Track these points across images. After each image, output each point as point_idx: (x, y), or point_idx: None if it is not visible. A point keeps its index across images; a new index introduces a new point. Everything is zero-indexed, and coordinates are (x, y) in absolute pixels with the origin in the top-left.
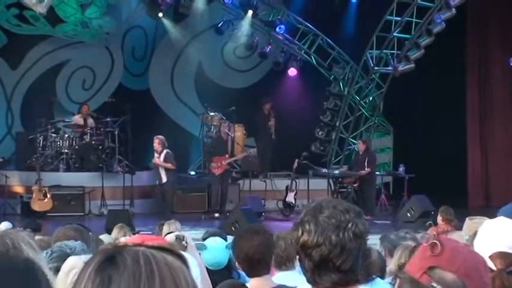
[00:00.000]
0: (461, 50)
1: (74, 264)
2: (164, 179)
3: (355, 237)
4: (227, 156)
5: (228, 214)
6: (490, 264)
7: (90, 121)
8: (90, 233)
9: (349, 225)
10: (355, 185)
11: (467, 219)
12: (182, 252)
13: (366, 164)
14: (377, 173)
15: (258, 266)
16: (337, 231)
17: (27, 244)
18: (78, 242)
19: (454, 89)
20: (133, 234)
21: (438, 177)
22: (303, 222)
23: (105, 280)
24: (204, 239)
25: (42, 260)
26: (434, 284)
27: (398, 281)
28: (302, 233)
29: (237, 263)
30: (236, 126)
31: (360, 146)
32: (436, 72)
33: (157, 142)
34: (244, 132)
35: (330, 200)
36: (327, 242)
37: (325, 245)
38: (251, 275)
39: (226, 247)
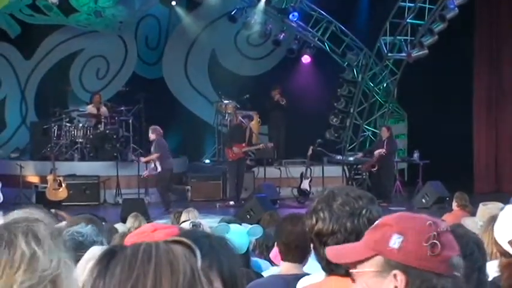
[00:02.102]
0: (473, 35)
1: (94, 254)
2: (159, 168)
3: (369, 224)
4: (244, 144)
5: (243, 202)
6: (509, 249)
7: (104, 110)
8: (103, 223)
9: (363, 211)
10: (374, 169)
11: (480, 204)
12: (191, 243)
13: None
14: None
15: (295, 253)
16: (352, 218)
17: (29, 236)
18: (89, 226)
19: (466, 74)
20: (148, 223)
21: (451, 162)
22: (317, 210)
23: (101, 270)
24: None
25: (46, 252)
26: (456, 273)
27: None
28: (316, 221)
29: (275, 244)
30: (251, 114)
31: (383, 132)
32: (449, 58)
33: (150, 132)
34: (259, 120)
35: (342, 187)
36: (342, 230)
37: (340, 232)
38: (285, 259)
39: (247, 233)
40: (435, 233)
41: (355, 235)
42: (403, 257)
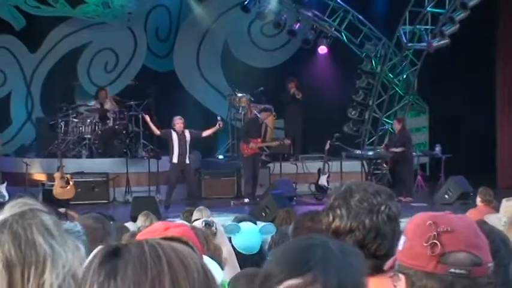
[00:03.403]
0: (496, 23)
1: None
2: (187, 161)
3: (389, 220)
4: (260, 140)
5: (258, 199)
6: None
7: (109, 105)
8: (111, 222)
9: (382, 208)
10: (388, 166)
11: (503, 200)
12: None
13: (401, 143)
14: (413, 153)
15: None
16: (371, 215)
17: (44, 231)
18: (74, 223)
19: (489, 65)
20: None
21: (474, 156)
22: (333, 207)
23: (110, 271)
24: None
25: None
26: (453, 270)
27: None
28: (333, 219)
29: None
30: (268, 107)
31: (395, 125)
32: (471, 47)
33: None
34: (274, 114)
35: (360, 182)
36: (360, 227)
37: (358, 230)
38: None
39: (259, 231)
40: (435, 233)
41: (374, 232)
42: (404, 258)
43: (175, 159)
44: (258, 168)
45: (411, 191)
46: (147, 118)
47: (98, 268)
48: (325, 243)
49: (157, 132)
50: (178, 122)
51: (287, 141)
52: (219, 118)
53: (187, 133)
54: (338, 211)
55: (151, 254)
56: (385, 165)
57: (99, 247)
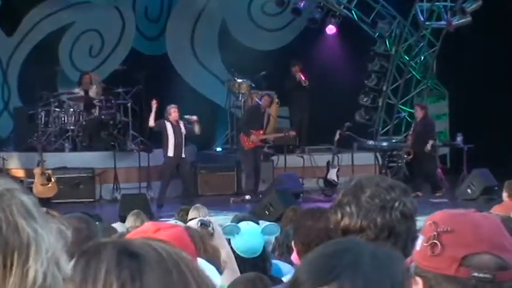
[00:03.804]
0: None
1: None
2: (183, 154)
3: (403, 218)
4: (261, 132)
5: (260, 196)
6: None
7: (94, 92)
8: (97, 222)
9: (396, 204)
10: (409, 157)
11: None
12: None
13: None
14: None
15: None
16: (383, 212)
17: (25, 212)
18: None
19: None
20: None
21: (498, 147)
22: (342, 203)
23: (134, 274)
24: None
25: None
26: (477, 274)
27: None
28: (342, 217)
29: (293, 244)
30: (270, 93)
31: (417, 112)
32: (495, 26)
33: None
34: (277, 101)
35: (371, 176)
36: (372, 225)
37: (370, 228)
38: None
39: (261, 231)
40: (435, 233)
41: (387, 231)
42: (422, 260)
43: (171, 153)
44: (260, 161)
45: (439, 184)
46: (155, 105)
47: (116, 270)
48: (355, 247)
49: (152, 123)
50: (173, 111)
51: (292, 133)
52: (194, 118)
53: (182, 124)
54: (347, 208)
55: (162, 255)
56: (407, 156)
57: (91, 246)
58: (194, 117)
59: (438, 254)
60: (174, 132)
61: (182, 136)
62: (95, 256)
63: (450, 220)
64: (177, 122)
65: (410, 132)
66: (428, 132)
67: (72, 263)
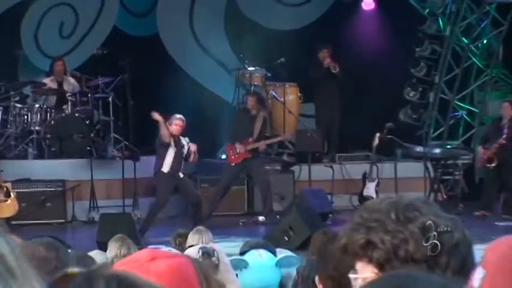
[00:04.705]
0: None
1: None
2: (181, 174)
3: (446, 250)
4: (250, 140)
5: (277, 217)
6: None
7: (70, 84)
8: (69, 250)
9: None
10: (492, 165)
11: None
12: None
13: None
14: None
15: None
16: (421, 240)
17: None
18: None
19: None
20: (140, 249)
21: None
22: (370, 227)
23: None
24: (242, 253)
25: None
26: None
27: None
28: (367, 243)
29: (316, 279)
30: (287, 86)
31: (506, 109)
32: None
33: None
34: (299, 95)
35: (414, 199)
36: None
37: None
38: None
39: (276, 264)
40: (435, 233)
41: (426, 265)
42: None
43: (166, 168)
44: (267, 175)
45: None
46: (160, 118)
47: None
48: (419, 283)
49: (168, 138)
50: (178, 123)
51: (288, 134)
52: (193, 147)
53: (184, 141)
54: (375, 236)
55: None
56: (489, 165)
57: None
58: (194, 146)
59: None
60: (175, 146)
61: (182, 155)
62: None
63: None
64: (178, 136)
65: (504, 137)
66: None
67: None
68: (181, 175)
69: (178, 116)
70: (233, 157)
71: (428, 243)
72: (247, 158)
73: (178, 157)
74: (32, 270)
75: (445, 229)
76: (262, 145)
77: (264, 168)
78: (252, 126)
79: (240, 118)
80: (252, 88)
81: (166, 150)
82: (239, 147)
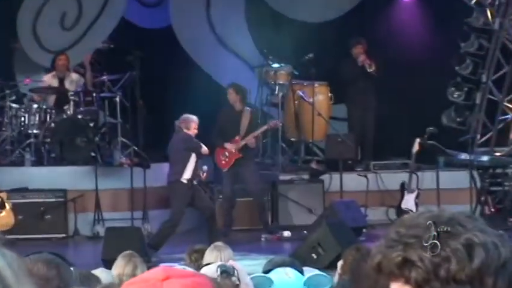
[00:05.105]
0: None
1: None
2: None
3: (494, 270)
4: (237, 138)
5: (305, 232)
6: None
7: (73, 81)
8: (72, 268)
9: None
10: None
11: None
12: None
13: None
14: None
15: None
16: (463, 260)
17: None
18: None
19: None
20: (149, 267)
21: None
22: (407, 242)
23: None
24: (266, 272)
25: None
26: None
27: None
28: (404, 261)
29: None
30: (316, 85)
31: None
32: None
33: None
34: (330, 95)
35: (458, 214)
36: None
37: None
38: None
39: (304, 284)
40: (435, 233)
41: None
42: None
43: (187, 175)
44: (261, 183)
45: None
46: (205, 151)
47: None
48: None
49: (206, 150)
50: (196, 126)
51: (277, 122)
52: (205, 168)
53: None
54: (412, 253)
55: None
56: None
57: None
58: (205, 168)
59: None
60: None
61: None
62: None
63: None
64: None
65: None
66: None
67: None
68: (195, 182)
69: (194, 117)
70: (224, 162)
71: (428, 243)
72: (239, 158)
73: (199, 163)
74: (32, 286)
75: (491, 246)
76: (250, 140)
77: (257, 174)
78: (239, 123)
79: (223, 116)
80: (277, 87)
81: (190, 156)
82: (229, 146)
